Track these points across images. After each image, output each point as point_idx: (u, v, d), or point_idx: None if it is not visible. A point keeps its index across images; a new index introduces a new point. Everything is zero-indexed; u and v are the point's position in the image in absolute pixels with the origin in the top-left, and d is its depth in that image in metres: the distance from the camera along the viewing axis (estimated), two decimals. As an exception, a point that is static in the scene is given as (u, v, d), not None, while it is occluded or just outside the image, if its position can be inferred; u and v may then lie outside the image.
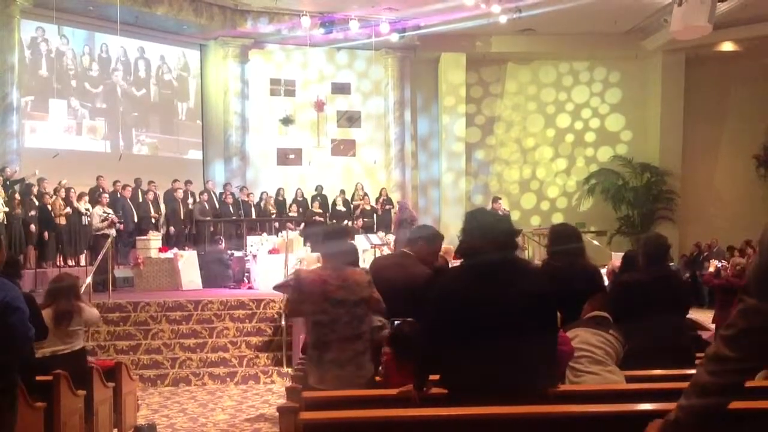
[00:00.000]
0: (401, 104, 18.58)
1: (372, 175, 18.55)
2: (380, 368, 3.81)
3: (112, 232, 12.27)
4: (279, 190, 16.82)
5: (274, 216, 15.83)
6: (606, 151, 19.66)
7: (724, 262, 12.56)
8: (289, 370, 8.51)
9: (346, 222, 15.76)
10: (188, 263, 12.80)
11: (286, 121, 18.21)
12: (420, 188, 19.40)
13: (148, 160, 16.54)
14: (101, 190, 13.66)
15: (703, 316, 10.34)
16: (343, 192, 17.06)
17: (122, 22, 14.61)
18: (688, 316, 5.76)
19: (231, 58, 17.54)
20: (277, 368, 9.36)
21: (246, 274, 13.27)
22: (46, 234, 12.55)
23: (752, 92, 18.61)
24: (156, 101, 17.11)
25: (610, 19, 16.94)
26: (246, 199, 15.88)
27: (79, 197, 13.05)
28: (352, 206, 16.90)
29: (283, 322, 9.63)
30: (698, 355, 4.11)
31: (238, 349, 9.63)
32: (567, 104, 19.77)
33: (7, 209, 11.65)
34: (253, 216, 15.70)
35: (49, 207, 12.61)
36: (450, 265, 4.93)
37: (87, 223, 12.78)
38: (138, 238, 13.34)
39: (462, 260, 3.10)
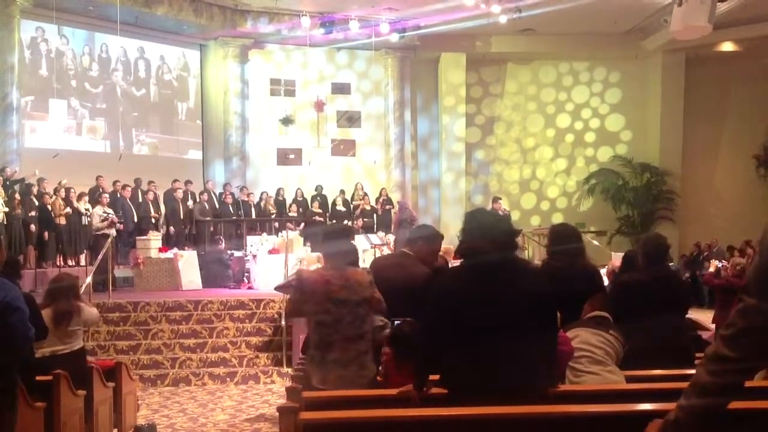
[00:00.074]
0: (401, 104, 18.58)
1: (372, 175, 18.55)
2: (380, 368, 3.81)
3: (112, 232, 12.27)
4: (279, 190, 16.83)
5: (274, 216, 15.83)
6: (606, 151, 19.67)
7: (725, 262, 12.55)
8: (289, 370, 8.52)
9: (345, 222, 15.76)
10: (188, 263, 12.80)
11: (286, 121, 18.21)
12: (420, 188, 19.40)
13: (148, 160, 16.54)
14: (101, 190, 13.66)
15: (703, 316, 10.34)
16: (343, 192, 17.07)
17: (122, 22, 14.61)
18: (688, 316, 5.77)
19: (231, 58, 17.54)
20: (277, 368, 9.36)
21: (246, 274, 13.27)
22: (46, 234, 12.55)
23: (752, 92, 18.61)
24: (156, 101, 17.12)
25: (610, 19, 16.94)
26: (246, 199, 15.88)
27: (79, 197, 13.05)
28: (352, 206, 16.91)
29: (283, 322, 9.63)
30: (698, 355, 4.11)
31: (238, 349, 9.63)
32: (567, 104, 19.77)
33: (7, 209, 11.66)
34: (253, 216, 15.70)
35: (49, 207, 12.61)
36: (450, 265, 4.92)
37: (87, 223, 12.78)
38: (138, 238, 13.34)
39: (462, 260, 3.10)
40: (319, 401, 3.25)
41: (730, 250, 15.53)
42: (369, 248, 12.93)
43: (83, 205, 12.96)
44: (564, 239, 4.56)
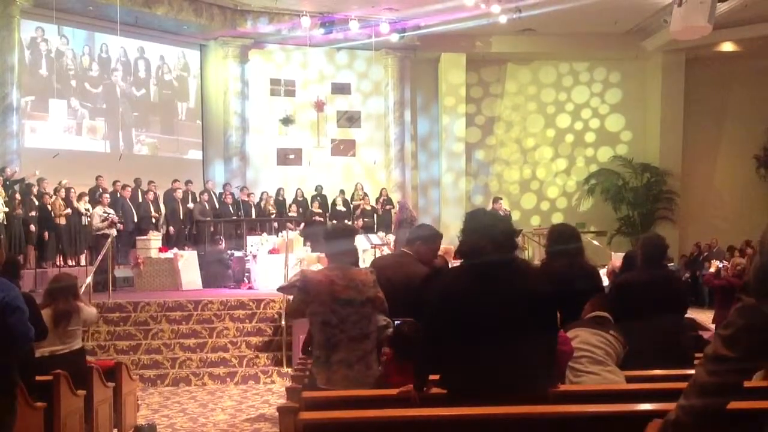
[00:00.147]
0: (401, 104, 18.58)
1: (372, 175, 18.55)
2: (379, 368, 3.81)
3: (113, 232, 12.27)
4: (279, 190, 16.82)
5: (273, 216, 15.83)
6: (606, 152, 19.67)
7: (725, 263, 12.56)
8: (289, 370, 8.51)
9: (346, 222, 15.75)
10: (188, 263, 12.80)
11: (286, 121, 18.21)
12: (420, 188, 19.40)
13: (148, 160, 16.55)
14: (101, 190, 13.66)
15: (703, 317, 10.35)
16: (342, 192, 17.07)
17: (122, 23, 14.61)
18: (690, 315, 5.77)
19: (231, 58, 17.54)
20: (277, 368, 9.36)
21: (246, 274, 13.27)
22: (46, 234, 12.55)
23: (752, 92, 18.60)
24: (156, 101, 17.12)
25: (610, 20, 16.94)
26: (246, 199, 15.88)
27: (79, 197, 13.06)
28: (352, 206, 16.91)
29: (283, 322, 9.63)
30: (698, 355, 4.11)
31: (238, 349, 9.63)
32: (567, 104, 19.77)
33: (7, 209, 11.66)
34: (253, 216, 15.70)
35: (49, 207, 12.62)
36: (450, 265, 4.92)
37: (87, 223, 12.78)
38: (138, 238, 13.34)
39: (462, 260, 3.10)
40: (319, 401, 3.25)
41: (730, 250, 15.53)
42: (369, 248, 12.93)
43: (83, 205, 12.97)
44: (563, 239, 4.56)
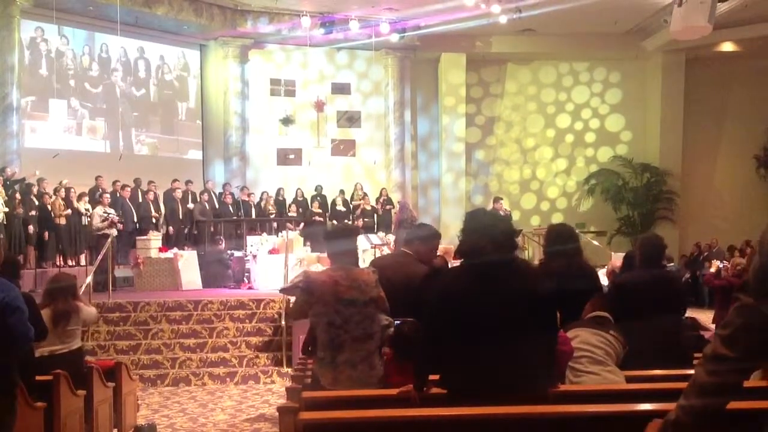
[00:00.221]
0: (401, 104, 18.59)
1: (372, 176, 18.55)
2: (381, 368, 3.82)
3: (113, 232, 12.27)
4: (279, 190, 16.82)
5: (273, 216, 15.82)
6: (606, 152, 19.67)
7: (726, 263, 12.57)
8: (289, 370, 8.52)
9: (346, 222, 15.76)
10: (188, 263, 12.80)
11: (286, 121, 18.21)
12: (420, 188, 19.40)
13: (148, 160, 16.55)
14: (100, 190, 13.66)
15: (704, 317, 10.34)
16: (342, 192, 17.07)
17: (122, 23, 14.61)
18: (691, 315, 5.77)
19: (231, 58, 17.54)
20: (277, 368, 9.35)
21: (246, 274, 13.26)
22: (46, 234, 12.55)
23: (752, 92, 18.60)
24: (156, 101, 17.12)
25: (610, 20, 16.94)
26: (246, 199, 15.88)
27: (79, 197, 13.06)
28: (351, 206, 16.91)
29: (283, 322, 9.63)
30: (697, 355, 4.11)
31: (238, 349, 9.63)
32: (567, 104, 19.77)
33: (7, 209, 11.66)
34: (253, 216, 15.70)
35: (49, 207, 12.62)
36: (450, 265, 4.93)
37: (87, 223, 12.78)
38: (138, 238, 13.34)
39: (462, 260, 3.10)
40: (319, 401, 3.25)
41: (730, 250, 15.53)
42: (369, 248, 12.93)
43: (83, 206, 12.97)
44: (561, 240, 4.56)
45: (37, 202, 12.49)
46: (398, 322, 3.86)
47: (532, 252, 14.09)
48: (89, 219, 12.70)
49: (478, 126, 19.66)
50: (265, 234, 14.41)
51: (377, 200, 16.98)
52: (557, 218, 18.27)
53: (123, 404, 6.44)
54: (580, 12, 15.61)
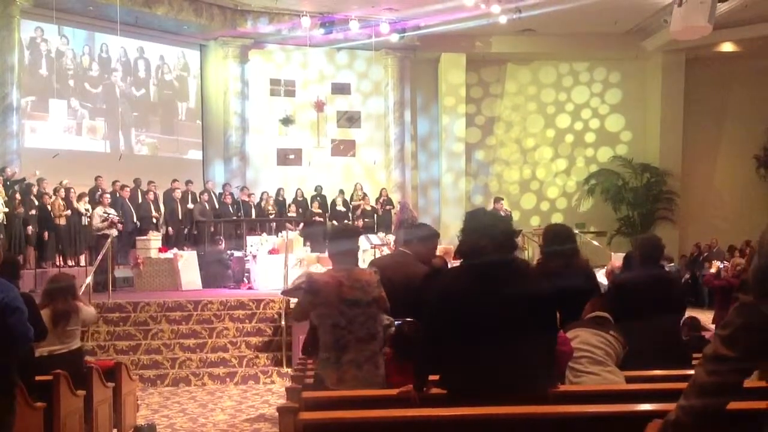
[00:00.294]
0: (401, 104, 18.59)
1: (372, 176, 18.55)
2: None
3: (113, 232, 12.27)
4: (279, 190, 16.82)
5: (273, 216, 15.82)
6: (606, 152, 19.66)
7: (725, 263, 12.57)
8: (289, 370, 8.52)
9: (346, 222, 15.76)
10: (188, 263, 12.80)
11: (286, 121, 18.21)
12: (420, 188, 19.40)
13: (148, 160, 16.55)
14: (100, 190, 13.66)
15: (704, 317, 10.32)
16: (342, 192, 17.07)
17: (122, 23, 14.61)
18: (692, 315, 5.76)
19: (231, 58, 17.54)
20: (277, 368, 9.36)
21: (246, 275, 13.26)
22: (45, 234, 12.55)
23: (752, 92, 18.60)
24: (156, 101, 17.12)
25: (610, 20, 16.94)
26: (246, 199, 15.88)
27: (79, 197, 13.06)
28: (351, 206, 16.91)
29: (283, 323, 9.63)
30: (697, 355, 4.11)
31: (237, 349, 9.63)
32: (567, 105, 19.76)
33: (7, 209, 11.66)
34: (253, 216, 15.70)
35: (49, 207, 12.61)
36: (449, 265, 4.93)
37: (87, 223, 12.78)
38: (138, 238, 13.34)
39: (462, 260, 3.10)
40: (319, 401, 3.25)
41: (730, 250, 15.52)
42: (369, 248, 12.93)
43: (83, 206, 12.96)
44: (558, 240, 4.56)
45: (37, 202, 12.49)
46: (398, 322, 3.86)
47: (531, 252, 14.09)
48: (89, 219, 12.70)
49: (478, 126, 19.66)
50: (264, 234, 14.41)
51: (377, 200, 16.98)
52: (557, 218, 18.27)
53: (123, 404, 6.44)
54: (580, 12, 15.61)
